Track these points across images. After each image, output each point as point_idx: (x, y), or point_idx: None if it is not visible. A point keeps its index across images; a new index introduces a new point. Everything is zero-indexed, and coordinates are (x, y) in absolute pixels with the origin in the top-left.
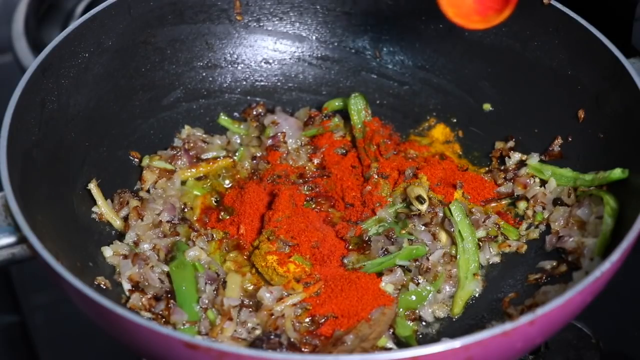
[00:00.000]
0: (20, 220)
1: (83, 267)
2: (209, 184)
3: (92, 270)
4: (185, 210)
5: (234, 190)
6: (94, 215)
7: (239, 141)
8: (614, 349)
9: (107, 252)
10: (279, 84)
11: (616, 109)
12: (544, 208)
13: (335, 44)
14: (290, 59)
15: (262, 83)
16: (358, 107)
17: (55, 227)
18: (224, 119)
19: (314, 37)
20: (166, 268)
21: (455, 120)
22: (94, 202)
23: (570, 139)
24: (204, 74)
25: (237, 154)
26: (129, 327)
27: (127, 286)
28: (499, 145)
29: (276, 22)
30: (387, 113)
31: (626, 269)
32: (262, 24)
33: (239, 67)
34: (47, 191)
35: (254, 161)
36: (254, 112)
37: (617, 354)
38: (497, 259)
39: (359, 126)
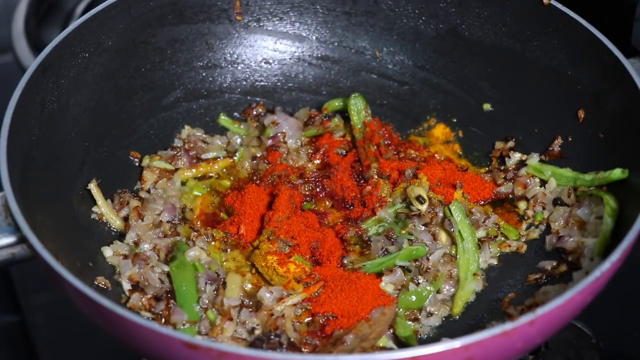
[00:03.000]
0: (20, 220)
1: (83, 267)
2: (209, 184)
3: (92, 270)
4: (186, 210)
5: (234, 190)
6: (94, 216)
7: (239, 141)
8: (614, 349)
9: (107, 252)
10: (279, 84)
11: (616, 109)
12: (544, 208)
13: (335, 44)
14: (290, 59)
15: (262, 83)
16: (358, 107)
17: (55, 227)
18: (224, 119)
19: (314, 37)
20: (166, 268)
21: (455, 120)
22: (94, 202)
23: (570, 139)
24: (204, 74)
25: (237, 154)
26: (129, 327)
27: (127, 286)
28: (499, 145)
29: (276, 22)
30: (387, 113)
31: (626, 269)
32: (262, 24)
33: (239, 67)
34: (47, 191)
35: (254, 161)
36: (254, 112)
37: (617, 354)
38: (496, 259)
39: (359, 126)
